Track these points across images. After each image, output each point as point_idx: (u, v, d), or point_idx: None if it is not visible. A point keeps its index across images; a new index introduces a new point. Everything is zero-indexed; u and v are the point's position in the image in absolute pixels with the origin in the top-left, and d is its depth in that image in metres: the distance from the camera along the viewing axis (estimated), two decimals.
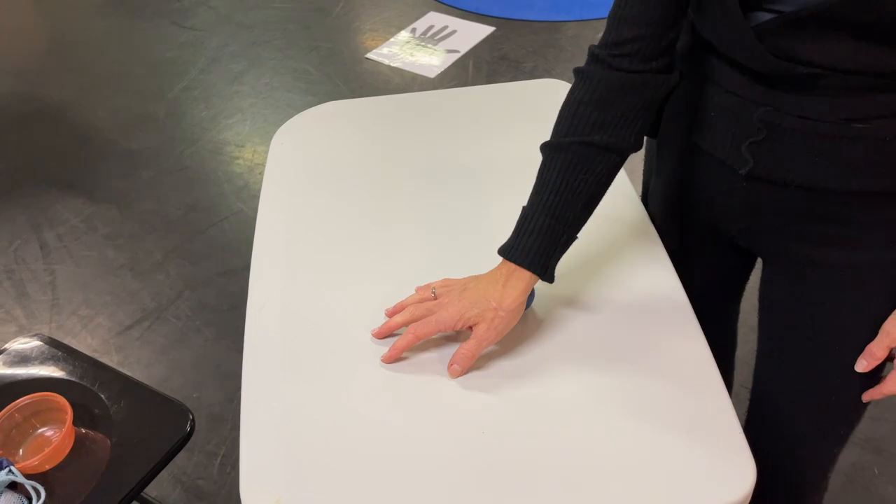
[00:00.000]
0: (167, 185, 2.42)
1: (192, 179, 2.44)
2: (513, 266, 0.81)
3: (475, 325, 0.81)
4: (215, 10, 3.40)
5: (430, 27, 3.15)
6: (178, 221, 2.28)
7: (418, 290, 0.88)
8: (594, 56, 0.79)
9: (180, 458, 1.65)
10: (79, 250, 2.20)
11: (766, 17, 0.70)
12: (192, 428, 1.20)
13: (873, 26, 0.65)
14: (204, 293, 2.04)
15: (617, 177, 1.07)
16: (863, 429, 1.62)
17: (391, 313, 0.87)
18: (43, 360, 1.29)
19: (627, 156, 0.81)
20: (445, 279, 0.88)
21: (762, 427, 1.02)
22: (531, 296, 0.86)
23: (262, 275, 0.96)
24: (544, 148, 0.82)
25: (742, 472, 0.71)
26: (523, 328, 0.85)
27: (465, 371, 0.81)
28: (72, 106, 2.83)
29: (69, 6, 3.53)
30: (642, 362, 0.81)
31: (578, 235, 0.83)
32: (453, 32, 3.10)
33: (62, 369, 1.27)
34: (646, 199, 1.03)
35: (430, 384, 0.80)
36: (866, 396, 0.88)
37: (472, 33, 3.09)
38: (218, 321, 1.96)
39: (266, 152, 2.53)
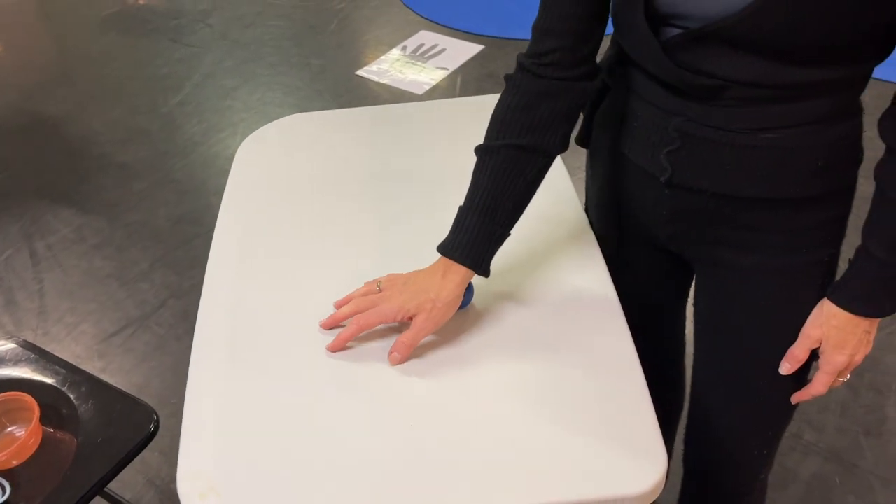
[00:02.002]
0: (157, 197, 2.48)
1: (181, 191, 2.49)
2: (449, 261, 0.85)
3: (414, 315, 0.85)
4: (212, 27, 3.47)
5: (421, 45, 3.22)
6: (166, 232, 2.33)
7: (366, 284, 0.92)
8: (520, 65, 0.85)
9: (155, 461, 1.68)
10: (67, 260, 2.26)
11: (674, 32, 0.75)
12: (156, 427, 1.23)
13: (765, 43, 0.70)
14: (188, 302, 2.08)
15: (561, 184, 1.12)
16: (824, 439, 1.64)
17: (339, 305, 0.92)
18: (16, 361, 1.34)
19: (555, 157, 0.87)
20: (391, 274, 0.92)
21: (698, 428, 1.06)
22: (470, 293, 0.91)
23: (217, 275, 1.00)
24: (477, 151, 0.87)
25: (653, 463, 0.74)
26: (460, 323, 0.89)
27: (405, 359, 0.85)
28: (68, 119, 2.90)
29: (73, 23, 3.61)
30: (569, 358, 0.85)
31: (512, 233, 0.88)
32: (443, 51, 3.16)
33: (34, 371, 1.32)
34: (587, 208, 1.07)
35: (363, 381, 0.84)
36: (795, 398, 0.91)
37: (461, 51, 3.15)
38: None
39: None
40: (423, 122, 1.27)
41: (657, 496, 0.75)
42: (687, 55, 0.75)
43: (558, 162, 1.16)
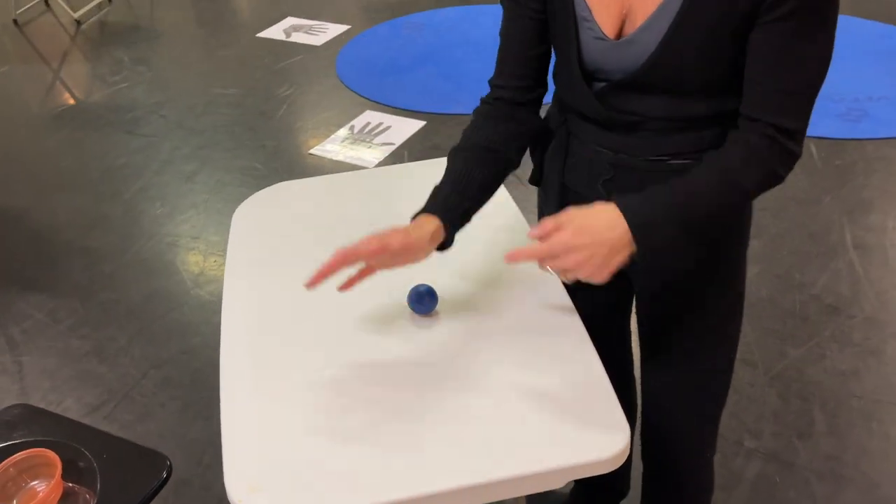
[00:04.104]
0: (127, 277, 2.58)
1: (150, 270, 2.61)
2: (425, 216, 1.00)
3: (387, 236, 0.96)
4: (166, 118, 3.65)
5: (367, 124, 3.46)
6: (139, 308, 2.43)
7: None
8: (482, 101, 1.11)
9: None
10: (44, 342, 2.33)
11: (602, 84, 1.00)
12: (170, 473, 1.35)
13: (666, 85, 0.94)
14: (168, 371, 2.18)
15: (515, 221, 1.32)
16: (763, 444, 1.85)
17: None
18: (28, 423, 1.43)
19: (510, 166, 1.07)
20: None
21: (651, 422, 1.25)
22: (435, 300, 1.11)
23: (235, 286, 1.15)
24: (451, 151, 1.07)
25: (617, 431, 0.92)
26: (438, 334, 1.07)
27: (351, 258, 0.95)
28: (30, 211, 3.00)
29: (25, 121, 3.73)
30: (533, 355, 1.03)
31: (477, 268, 1.06)
32: (388, 128, 3.41)
33: (46, 431, 1.41)
34: None
35: (366, 384, 1.00)
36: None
37: (405, 128, 3.40)
38: (182, 395, 2.10)
39: (221, 241, 2.73)
40: (392, 183, 1.46)
41: (622, 461, 0.93)
42: (614, 100, 0.99)
43: (512, 205, 1.36)
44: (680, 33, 0.89)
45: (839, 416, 1.91)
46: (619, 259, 0.90)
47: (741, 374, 2.05)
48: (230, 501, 0.88)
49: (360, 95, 3.72)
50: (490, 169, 1.05)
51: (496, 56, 1.08)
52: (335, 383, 1.02)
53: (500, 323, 1.10)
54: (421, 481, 0.88)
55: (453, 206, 1.01)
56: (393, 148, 3.24)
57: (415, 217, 1.02)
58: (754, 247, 2.46)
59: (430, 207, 1.01)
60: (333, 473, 0.89)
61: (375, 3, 4.92)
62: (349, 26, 4.57)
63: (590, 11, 0.96)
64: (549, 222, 0.92)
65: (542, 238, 0.92)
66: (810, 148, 3.05)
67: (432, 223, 0.99)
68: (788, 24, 0.85)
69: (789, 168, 0.92)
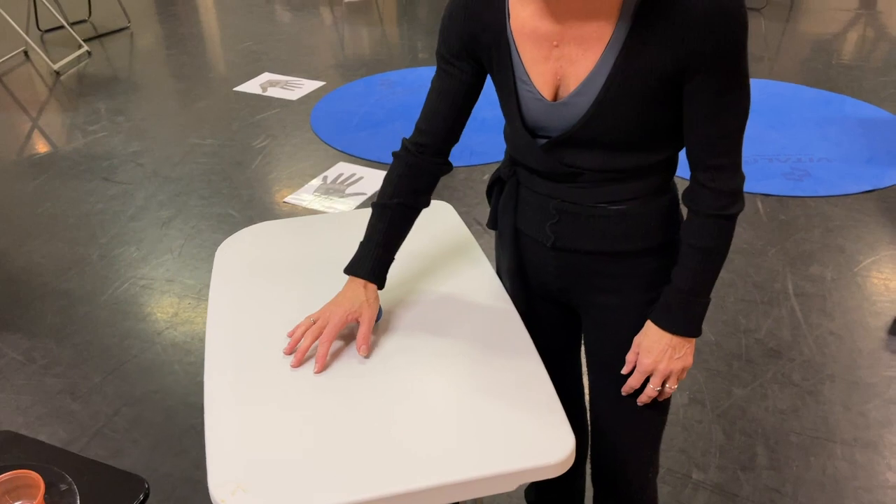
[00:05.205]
0: (101, 319, 2.65)
1: (124, 312, 2.68)
2: (362, 280, 1.23)
3: (359, 315, 1.20)
4: (143, 166, 3.75)
5: (340, 174, 3.60)
6: (114, 348, 2.50)
7: (300, 326, 1.22)
8: (405, 147, 1.24)
9: None
10: (17, 380, 2.38)
11: (543, 140, 1.14)
12: (146, 496, 1.42)
13: (600, 141, 1.08)
14: (140, 409, 2.24)
15: (478, 259, 1.45)
16: (709, 477, 1.96)
17: (290, 349, 1.20)
18: (8, 448, 1.49)
19: (422, 210, 1.28)
20: (309, 315, 1.24)
21: (599, 446, 1.36)
22: (380, 312, 1.26)
23: (218, 321, 1.25)
24: (376, 206, 1.25)
25: (562, 439, 1.03)
26: (407, 344, 1.18)
27: (370, 348, 1.20)
28: (7, 254, 3.05)
29: (1, 168, 3.80)
30: (485, 369, 1.14)
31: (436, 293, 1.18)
32: (361, 178, 3.55)
33: (29, 456, 1.48)
34: (499, 274, 1.41)
35: (334, 395, 1.11)
36: (639, 400, 1.24)
37: (377, 179, 3.55)
38: (154, 432, 2.16)
39: (195, 284, 2.82)
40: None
41: (568, 466, 1.04)
42: (555, 154, 1.13)
43: (478, 249, 1.50)
44: (609, 98, 1.03)
45: (779, 451, 2.04)
46: (687, 352, 1.16)
47: (690, 412, 2.17)
48: (213, 503, 0.97)
49: (333, 148, 3.87)
50: (411, 223, 1.27)
51: (425, 103, 1.23)
52: (309, 391, 1.12)
53: (451, 337, 1.22)
54: (382, 483, 0.98)
55: (384, 264, 1.25)
56: (364, 198, 3.38)
57: (351, 271, 1.24)
58: None
59: (363, 272, 1.23)
60: (307, 475, 0.99)
61: (350, 61, 5.13)
62: (324, 83, 4.76)
63: (527, 75, 1.10)
64: (631, 356, 1.20)
65: (629, 369, 1.22)
66: (756, 204, 3.25)
67: (370, 290, 1.23)
68: (713, 84, 1.00)
69: (740, 199, 1.08)
